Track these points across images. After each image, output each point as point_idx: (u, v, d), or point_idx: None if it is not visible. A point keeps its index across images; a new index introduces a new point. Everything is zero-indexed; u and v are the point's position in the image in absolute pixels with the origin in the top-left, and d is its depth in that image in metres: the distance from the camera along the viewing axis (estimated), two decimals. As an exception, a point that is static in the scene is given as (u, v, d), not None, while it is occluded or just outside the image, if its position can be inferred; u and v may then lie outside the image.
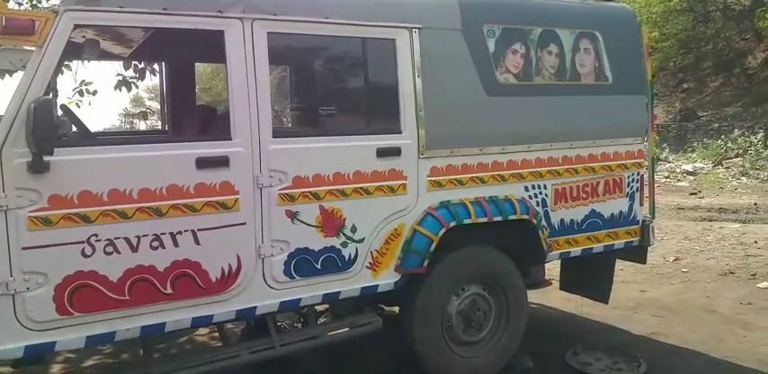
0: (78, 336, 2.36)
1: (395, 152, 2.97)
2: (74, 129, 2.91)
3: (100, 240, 2.36)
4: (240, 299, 2.66)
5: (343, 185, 2.85)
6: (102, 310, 2.39)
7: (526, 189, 3.36)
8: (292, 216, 2.75)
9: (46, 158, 2.23)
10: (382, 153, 2.94)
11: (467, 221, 3.12)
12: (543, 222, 3.39)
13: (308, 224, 2.79)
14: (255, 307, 2.71)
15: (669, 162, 14.96)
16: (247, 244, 2.65)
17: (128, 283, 2.42)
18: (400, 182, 3.00)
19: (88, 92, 5.55)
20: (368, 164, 2.92)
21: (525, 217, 3.27)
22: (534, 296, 4.49)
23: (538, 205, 3.38)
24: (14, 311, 2.24)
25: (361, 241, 2.93)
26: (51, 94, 2.81)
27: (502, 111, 3.27)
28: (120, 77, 5.02)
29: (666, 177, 13.27)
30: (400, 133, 3.01)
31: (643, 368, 3.46)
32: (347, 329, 3.03)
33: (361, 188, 2.90)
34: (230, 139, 2.61)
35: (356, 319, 3.09)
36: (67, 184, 2.30)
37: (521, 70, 3.34)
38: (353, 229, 2.90)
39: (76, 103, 5.63)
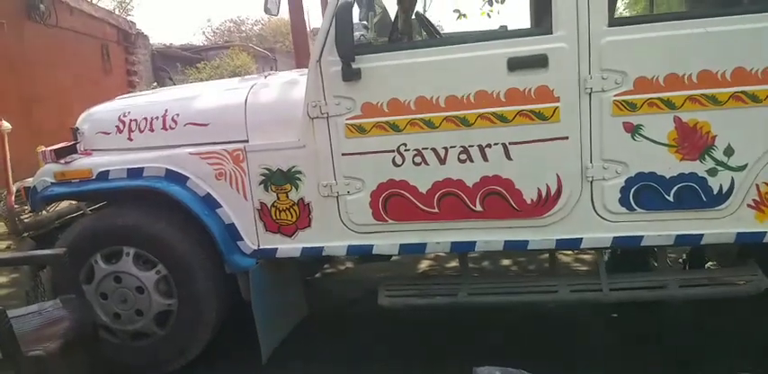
0: (393, 243, 2.41)
1: None
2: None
3: (409, 150, 2.30)
4: (562, 227, 2.27)
5: (713, 89, 2.05)
6: (413, 220, 2.36)
7: None
8: (633, 130, 2.14)
9: (356, 66, 2.23)
10: None
11: None
12: None
13: (655, 141, 2.13)
14: (581, 239, 2.27)
15: None
16: (570, 163, 2.20)
17: (437, 196, 2.31)
18: (819, 82, 1.99)
19: (497, 1, 5.58)
20: (758, 58, 2.01)
21: None
22: None
23: None
24: (339, 212, 2.41)
25: (741, 169, 2.11)
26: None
27: None
28: None
29: None
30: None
31: None
32: (708, 285, 2.28)
33: (743, 92, 2.04)
34: (550, 33, 2.13)
35: (726, 273, 2.30)
36: (378, 92, 2.28)
37: None
38: (729, 152, 2.10)
39: (487, 14, 5.75)
